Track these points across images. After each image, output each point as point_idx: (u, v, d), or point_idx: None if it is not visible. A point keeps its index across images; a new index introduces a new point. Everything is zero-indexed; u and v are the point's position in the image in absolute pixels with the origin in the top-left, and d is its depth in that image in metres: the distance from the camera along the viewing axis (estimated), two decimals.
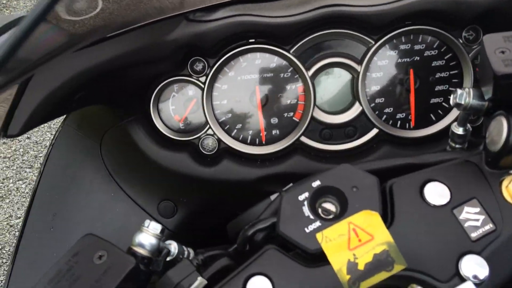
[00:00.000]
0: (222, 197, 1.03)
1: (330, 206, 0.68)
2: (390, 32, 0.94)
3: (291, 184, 0.81)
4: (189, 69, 0.97)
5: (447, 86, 1.00)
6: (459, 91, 0.73)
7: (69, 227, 1.01)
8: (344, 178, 0.68)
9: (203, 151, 1.01)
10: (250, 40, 0.95)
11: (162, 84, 0.97)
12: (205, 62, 0.96)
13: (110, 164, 1.02)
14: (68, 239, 1.00)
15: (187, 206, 1.03)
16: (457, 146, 0.83)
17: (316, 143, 1.01)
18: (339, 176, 0.68)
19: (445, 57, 0.98)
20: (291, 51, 0.96)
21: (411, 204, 0.66)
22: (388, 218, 0.66)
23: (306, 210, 0.66)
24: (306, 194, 0.67)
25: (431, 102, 1.01)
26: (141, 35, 0.82)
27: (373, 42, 0.95)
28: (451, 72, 0.99)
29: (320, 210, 0.67)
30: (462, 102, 0.73)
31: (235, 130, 1.01)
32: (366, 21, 0.89)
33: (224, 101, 1.00)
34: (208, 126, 1.00)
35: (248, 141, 1.02)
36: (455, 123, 0.80)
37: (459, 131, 0.80)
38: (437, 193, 0.66)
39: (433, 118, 1.01)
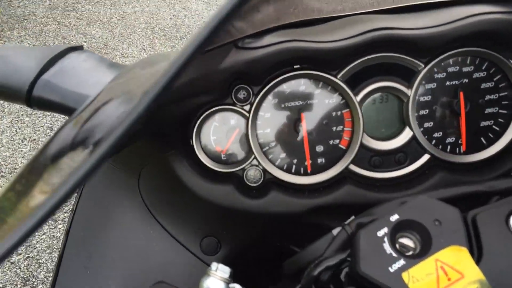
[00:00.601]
0: (269, 230, 0.98)
1: (408, 242, 0.64)
2: (440, 55, 0.92)
3: (353, 217, 0.77)
4: (233, 97, 0.93)
5: (497, 108, 0.97)
6: None
7: (106, 268, 0.95)
8: (424, 210, 0.64)
9: (248, 183, 0.96)
10: (295, 66, 0.92)
11: (205, 114, 0.93)
12: (250, 90, 0.93)
13: (149, 200, 0.97)
14: (105, 282, 0.94)
15: (232, 241, 0.98)
16: None
17: (366, 171, 0.97)
18: (418, 209, 0.64)
19: (494, 79, 0.95)
20: (338, 76, 0.92)
21: (500, 237, 0.62)
22: (474, 253, 0.62)
23: (387, 247, 0.61)
24: (386, 230, 0.63)
25: (481, 125, 0.97)
26: (194, 65, 0.78)
27: (422, 65, 0.92)
28: (500, 94, 0.96)
29: (398, 247, 0.63)
30: None
31: (279, 160, 0.97)
32: (417, 45, 0.87)
33: (267, 130, 0.96)
34: (252, 156, 0.96)
35: (293, 171, 0.97)
36: None
37: None
38: None
39: (484, 142, 0.98)
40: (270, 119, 0.96)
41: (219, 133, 0.97)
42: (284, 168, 0.97)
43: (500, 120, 0.97)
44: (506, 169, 0.94)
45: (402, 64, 0.93)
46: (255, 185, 0.97)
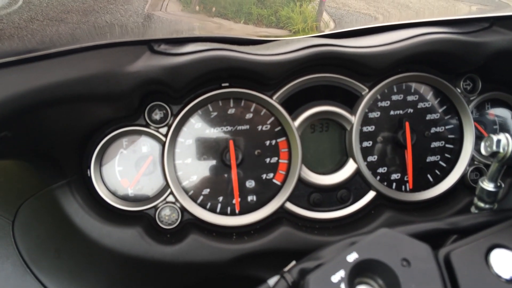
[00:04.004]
0: (189, 284, 0.78)
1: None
2: (384, 79, 0.82)
3: (293, 262, 0.60)
4: (146, 117, 0.75)
5: (443, 142, 0.88)
6: (494, 137, 0.61)
7: None
8: (388, 247, 0.50)
9: (161, 225, 0.77)
10: (223, 84, 0.78)
11: (108, 136, 0.74)
12: (168, 109, 0.76)
13: (26, 248, 0.73)
14: None
15: None
16: (486, 206, 0.68)
17: (304, 211, 0.82)
18: (381, 245, 0.50)
19: (440, 110, 0.87)
20: (273, 98, 0.79)
21: (479, 278, 0.49)
22: None
23: None
24: (342, 273, 0.47)
25: (427, 160, 0.88)
26: (93, 58, 0.60)
27: (367, 90, 0.82)
28: (446, 127, 0.88)
29: None
30: (501, 150, 0.61)
31: (202, 197, 0.79)
32: (361, 64, 0.77)
33: (188, 160, 0.78)
34: (168, 191, 0.77)
35: (218, 210, 0.80)
36: (484, 179, 0.67)
37: (490, 187, 0.66)
38: (507, 263, 0.50)
39: (431, 180, 0.88)
40: (191, 147, 0.78)
41: (127, 162, 0.77)
42: (208, 207, 0.79)
43: (446, 155, 0.88)
44: (458, 208, 0.84)
45: (345, 88, 0.82)
46: (170, 227, 0.77)
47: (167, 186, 0.77)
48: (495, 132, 0.92)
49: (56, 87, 0.56)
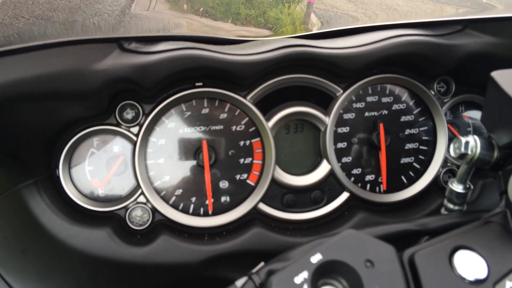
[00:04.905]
0: (158, 286, 0.77)
1: None
2: (359, 80, 0.82)
3: (262, 263, 0.60)
4: (117, 116, 0.74)
5: (417, 144, 0.89)
6: (463, 139, 0.61)
7: None
8: (353, 249, 0.50)
9: (132, 226, 0.76)
10: (197, 84, 0.77)
11: (77, 135, 0.73)
12: (140, 108, 0.75)
13: None
14: None
15: None
16: (456, 207, 0.69)
17: (278, 212, 0.81)
18: (345, 247, 0.50)
19: (414, 112, 0.88)
20: (247, 98, 0.79)
21: (443, 280, 0.49)
22: None
23: None
24: (305, 275, 0.47)
25: (401, 162, 0.88)
26: (58, 55, 0.59)
27: (341, 91, 0.82)
28: (420, 129, 0.88)
29: None
30: (469, 152, 0.61)
31: (174, 197, 0.78)
32: (336, 65, 0.77)
33: (160, 160, 0.78)
34: (139, 192, 0.76)
35: (191, 211, 0.79)
36: (454, 180, 0.67)
37: (459, 188, 0.67)
38: (471, 265, 0.50)
39: (405, 181, 0.88)
40: (164, 146, 0.78)
41: (98, 161, 0.76)
42: (180, 207, 0.79)
43: (420, 157, 0.89)
44: (431, 209, 0.84)
45: (320, 89, 0.82)
46: (140, 228, 0.76)
47: (138, 186, 0.76)
48: (467, 134, 0.93)
49: (19, 84, 0.55)
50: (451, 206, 0.68)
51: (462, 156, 0.62)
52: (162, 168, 0.78)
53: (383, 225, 0.62)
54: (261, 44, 0.76)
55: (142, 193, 0.76)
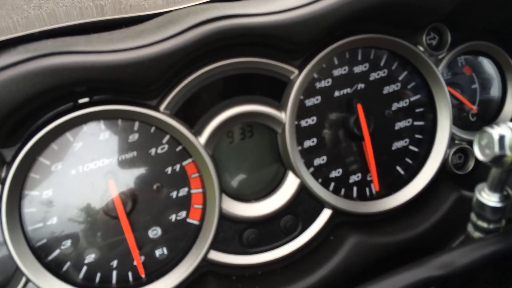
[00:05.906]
0: None
1: None
2: (318, 52, 0.57)
3: None
4: None
5: (410, 120, 0.65)
6: (493, 131, 0.38)
7: None
8: None
9: None
10: (81, 101, 0.51)
11: None
12: None
13: None
14: None
15: None
16: (491, 226, 0.46)
17: (237, 257, 0.58)
18: None
19: (400, 78, 0.64)
20: (161, 108, 0.53)
21: None
22: None
23: None
24: None
25: (393, 148, 0.65)
26: None
27: (296, 71, 0.57)
28: (411, 99, 0.65)
29: None
30: (507, 153, 0.38)
31: (85, 268, 0.54)
32: (280, 38, 0.51)
33: (52, 220, 0.52)
34: (22, 278, 0.51)
35: (114, 282, 0.55)
36: (484, 187, 0.44)
37: (493, 199, 0.44)
38: None
39: (402, 172, 0.66)
40: (54, 199, 0.52)
41: None
42: (97, 280, 0.54)
43: (417, 136, 0.66)
44: (444, 211, 0.62)
45: (266, 74, 0.57)
46: None
47: (18, 271, 0.51)
48: (474, 95, 0.70)
49: None
50: (484, 225, 0.46)
51: (497, 159, 0.39)
52: (56, 233, 0.52)
53: (396, 276, 0.40)
54: (167, 23, 0.50)
55: (27, 280, 0.51)
